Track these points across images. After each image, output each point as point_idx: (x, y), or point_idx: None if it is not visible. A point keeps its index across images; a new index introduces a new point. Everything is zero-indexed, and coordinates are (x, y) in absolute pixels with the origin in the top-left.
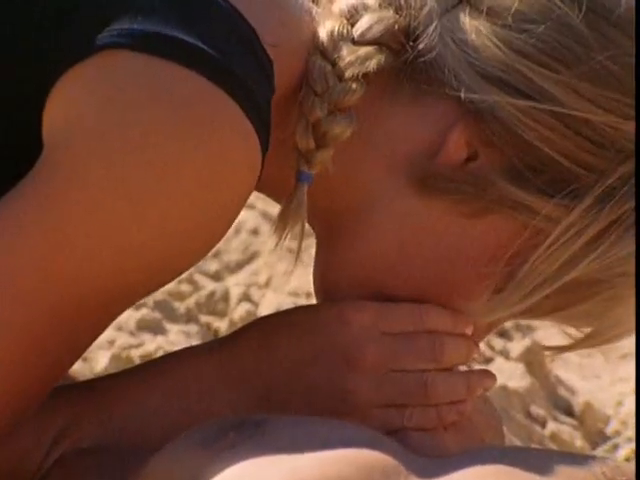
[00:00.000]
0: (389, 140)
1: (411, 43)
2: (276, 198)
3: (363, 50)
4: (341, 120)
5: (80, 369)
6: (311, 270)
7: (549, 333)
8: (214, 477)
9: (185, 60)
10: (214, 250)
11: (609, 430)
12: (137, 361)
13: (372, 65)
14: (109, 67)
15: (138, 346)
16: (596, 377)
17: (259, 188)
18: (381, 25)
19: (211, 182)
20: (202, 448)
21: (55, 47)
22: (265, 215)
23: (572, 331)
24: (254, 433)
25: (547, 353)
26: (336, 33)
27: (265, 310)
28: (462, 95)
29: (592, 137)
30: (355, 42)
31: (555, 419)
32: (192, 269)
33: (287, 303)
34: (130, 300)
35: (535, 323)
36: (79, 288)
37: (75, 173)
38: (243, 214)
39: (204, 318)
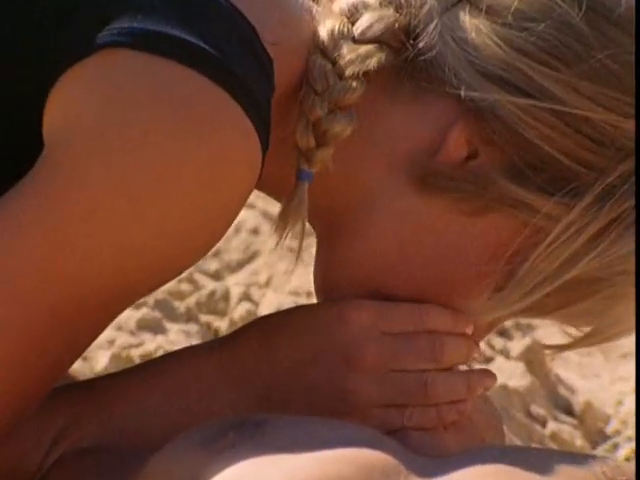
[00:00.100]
0: (389, 138)
1: (411, 41)
2: (276, 197)
3: (363, 48)
4: (341, 118)
5: (80, 369)
6: (312, 269)
7: (549, 332)
8: (214, 477)
9: (186, 59)
10: (214, 249)
11: (609, 429)
12: (137, 361)
13: (372, 63)
14: (109, 66)
15: (138, 346)
16: (596, 376)
17: (259, 187)
18: (381, 23)
19: (211, 181)
20: (202, 448)
21: (55, 47)
22: (265, 214)
23: (572, 330)
24: (254, 433)
25: (547, 352)
26: (336, 32)
27: (265, 310)
28: (462, 93)
29: (592, 135)
30: (355, 40)
31: (555, 418)
32: (192, 268)
33: (287, 302)
34: (130, 300)
35: (535, 322)
36: (79, 288)
37: (75, 173)
38: (243, 213)
39: (204, 317)
